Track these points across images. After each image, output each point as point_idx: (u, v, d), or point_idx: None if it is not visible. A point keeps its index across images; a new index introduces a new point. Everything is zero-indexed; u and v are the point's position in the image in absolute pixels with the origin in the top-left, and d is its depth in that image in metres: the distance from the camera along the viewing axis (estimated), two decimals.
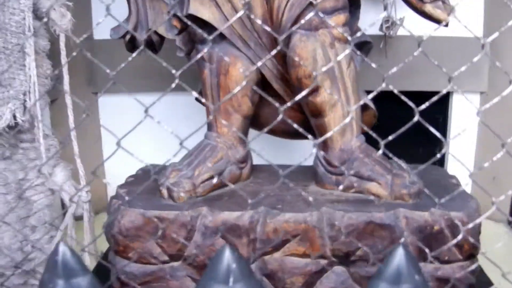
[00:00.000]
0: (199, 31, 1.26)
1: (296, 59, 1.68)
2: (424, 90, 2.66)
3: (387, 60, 2.60)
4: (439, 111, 2.96)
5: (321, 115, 1.77)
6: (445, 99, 2.95)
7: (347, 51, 1.68)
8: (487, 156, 2.80)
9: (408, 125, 1.05)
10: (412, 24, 2.11)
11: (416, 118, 1.05)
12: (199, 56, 1.33)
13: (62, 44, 2.21)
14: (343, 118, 1.77)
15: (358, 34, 1.24)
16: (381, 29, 2.54)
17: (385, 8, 2.51)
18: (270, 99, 1.19)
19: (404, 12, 2.39)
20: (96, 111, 2.97)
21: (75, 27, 2.15)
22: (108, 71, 1.03)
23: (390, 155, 1.14)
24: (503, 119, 2.51)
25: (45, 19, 2.07)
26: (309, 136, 1.14)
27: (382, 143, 1.07)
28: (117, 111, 2.87)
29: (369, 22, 2.13)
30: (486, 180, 2.67)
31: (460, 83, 2.70)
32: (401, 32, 2.55)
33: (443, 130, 2.96)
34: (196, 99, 2.04)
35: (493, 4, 2.71)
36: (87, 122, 2.77)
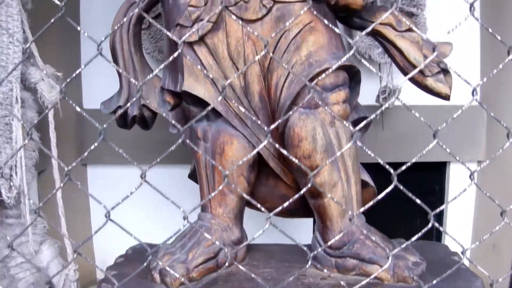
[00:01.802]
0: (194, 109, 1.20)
1: (295, 138, 1.64)
2: (421, 161, 2.62)
3: (384, 131, 2.56)
4: (436, 180, 2.93)
5: (320, 196, 1.71)
6: (442, 168, 2.92)
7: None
8: (486, 225, 2.77)
9: (386, 191, 1.02)
10: (409, 94, 2.09)
11: (394, 184, 1.00)
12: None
13: (50, 117, 2.17)
14: (343, 199, 1.71)
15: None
16: (377, 100, 2.52)
17: (381, 80, 2.50)
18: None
19: (400, 82, 2.37)
20: (85, 183, 2.91)
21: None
22: (97, 125, 0.97)
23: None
24: (501, 187, 2.49)
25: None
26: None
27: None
28: (106, 183, 2.81)
29: (366, 93, 2.12)
30: (486, 247, 2.63)
31: (457, 152, 2.67)
32: (398, 102, 2.52)
33: (440, 199, 2.92)
34: (189, 177, 1.98)
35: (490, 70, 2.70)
36: (75, 195, 2.70)
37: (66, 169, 1.01)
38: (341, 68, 1.69)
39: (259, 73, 1.70)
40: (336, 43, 1.72)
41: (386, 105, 1.20)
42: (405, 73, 1.77)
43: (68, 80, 1.04)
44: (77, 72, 1.03)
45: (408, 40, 1.74)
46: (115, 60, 1.85)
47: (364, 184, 1.87)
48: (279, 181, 1.86)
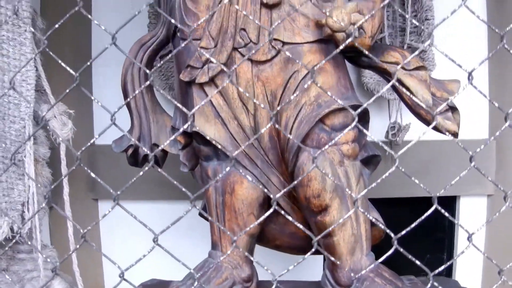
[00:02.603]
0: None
1: (304, 178, 1.65)
2: (430, 196, 2.62)
3: (392, 170, 2.56)
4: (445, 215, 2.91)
5: (330, 234, 1.72)
6: (452, 203, 2.90)
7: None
8: (496, 260, 2.75)
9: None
10: (418, 129, 2.10)
11: (434, 206, 1.01)
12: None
13: (62, 154, 2.19)
14: (352, 238, 1.72)
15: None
16: (387, 136, 2.53)
17: (390, 116, 2.51)
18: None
19: (410, 118, 2.37)
20: (96, 218, 2.91)
21: (76, 133, 2.13)
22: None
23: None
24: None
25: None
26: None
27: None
28: (118, 218, 2.81)
29: (375, 129, 2.13)
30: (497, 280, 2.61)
31: (467, 186, 2.67)
32: (407, 137, 2.53)
33: (450, 234, 2.91)
34: (200, 214, 1.99)
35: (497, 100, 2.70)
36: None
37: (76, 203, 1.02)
38: (350, 107, 1.70)
39: (269, 114, 1.72)
40: (344, 83, 1.74)
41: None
42: (413, 111, 1.78)
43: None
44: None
45: (416, 78, 1.75)
46: (127, 99, 1.87)
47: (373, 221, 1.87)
48: (288, 220, 1.86)
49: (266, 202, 1.82)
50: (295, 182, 1.31)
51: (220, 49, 1.68)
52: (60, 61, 1.10)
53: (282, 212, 1.19)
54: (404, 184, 2.54)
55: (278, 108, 1.66)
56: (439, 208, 1.02)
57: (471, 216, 2.86)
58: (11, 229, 2.03)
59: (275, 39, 1.66)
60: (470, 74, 1.02)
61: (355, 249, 1.74)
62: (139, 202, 2.78)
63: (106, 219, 2.86)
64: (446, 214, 1.04)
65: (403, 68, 1.75)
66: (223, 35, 1.68)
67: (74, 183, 2.23)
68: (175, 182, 1.10)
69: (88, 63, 1.13)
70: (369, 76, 2.51)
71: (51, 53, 1.11)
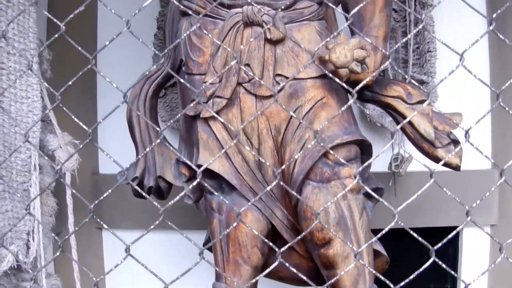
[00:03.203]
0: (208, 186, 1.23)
1: (308, 211, 1.67)
2: (433, 226, 2.63)
3: (396, 198, 2.57)
4: (449, 244, 2.91)
5: (333, 267, 1.73)
6: (455, 233, 2.90)
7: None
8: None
9: (424, 267, 1.04)
10: (420, 159, 2.11)
11: (432, 259, 1.01)
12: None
13: (67, 184, 2.20)
14: (356, 270, 1.73)
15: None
16: (390, 168, 2.54)
17: (393, 147, 2.52)
18: None
19: (412, 149, 2.39)
20: (100, 247, 2.92)
21: (81, 163, 2.15)
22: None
23: None
24: None
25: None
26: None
27: None
28: (122, 247, 2.81)
29: (378, 160, 2.13)
30: None
31: (470, 216, 2.67)
32: (410, 168, 2.54)
33: (453, 264, 2.90)
34: (204, 245, 2.00)
35: (500, 136, 2.72)
36: (90, 257, 2.72)
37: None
38: (353, 142, 1.72)
39: (273, 148, 1.74)
40: (348, 118, 1.76)
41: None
42: (415, 145, 1.80)
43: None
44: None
45: (418, 112, 1.77)
46: (132, 132, 1.89)
47: (376, 253, 1.88)
48: (292, 251, 1.87)
49: (270, 234, 1.83)
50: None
51: (225, 84, 1.71)
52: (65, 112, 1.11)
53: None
54: (407, 215, 2.55)
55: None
56: (437, 260, 1.04)
57: (475, 246, 2.86)
58: (17, 257, 2.04)
59: (279, 75, 1.69)
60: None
61: (358, 281, 1.75)
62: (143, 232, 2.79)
63: (111, 249, 2.89)
64: (444, 266, 1.06)
65: (405, 102, 1.76)
66: (228, 71, 1.70)
67: (78, 212, 2.24)
68: (184, 235, 1.11)
69: (100, 121, 1.14)
70: (372, 108, 2.52)
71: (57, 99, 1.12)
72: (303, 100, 1.70)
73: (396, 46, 1.87)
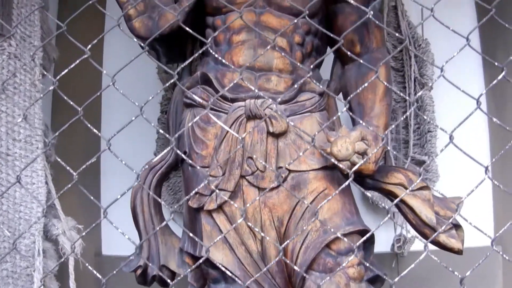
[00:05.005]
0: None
1: None
2: None
3: (399, 279, 2.56)
4: None
5: None
6: None
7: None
8: None
9: None
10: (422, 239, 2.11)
11: None
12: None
13: (71, 268, 2.21)
14: None
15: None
16: (392, 249, 2.54)
17: (396, 228, 2.53)
18: None
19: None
20: None
21: (84, 248, 2.15)
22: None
23: None
24: None
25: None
26: None
27: None
28: None
29: (381, 242, 2.14)
30: None
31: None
32: (413, 248, 2.54)
33: None
34: None
35: (501, 207, 2.74)
36: None
37: None
38: (355, 232, 1.73)
39: (276, 239, 1.75)
40: (350, 208, 1.77)
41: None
42: (417, 230, 1.80)
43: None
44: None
45: (419, 198, 1.77)
46: (136, 221, 1.91)
47: None
48: None
49: None
50: None
51: (228, 177, 1.73)
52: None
53: None
54: None
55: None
56: None
57: None
58: None
59: (281, 167, 1.71)
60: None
61: None
62: None
63: None
64: None
65: (406, 189, 1.78)
66: (231, 164, 1.73)
67: None
68: None
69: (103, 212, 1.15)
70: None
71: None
72: (305, 192, 1.72)
73: (392, 126, 1.87)
